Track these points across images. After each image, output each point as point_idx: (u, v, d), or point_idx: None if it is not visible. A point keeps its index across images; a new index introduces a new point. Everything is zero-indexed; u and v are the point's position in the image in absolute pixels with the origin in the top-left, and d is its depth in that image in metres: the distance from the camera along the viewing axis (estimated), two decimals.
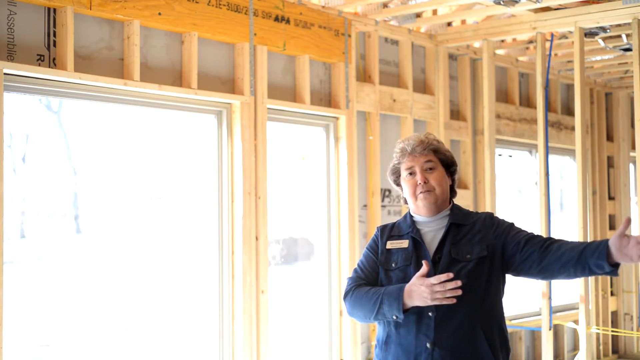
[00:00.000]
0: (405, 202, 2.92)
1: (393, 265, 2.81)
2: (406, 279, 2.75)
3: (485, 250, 2.74)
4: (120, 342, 4.49)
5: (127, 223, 4.61)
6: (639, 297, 8.01)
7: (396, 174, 2.91)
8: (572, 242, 2.68)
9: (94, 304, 4.45)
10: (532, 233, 2.79)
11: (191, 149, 4.78)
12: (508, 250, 2.76)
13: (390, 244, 2.85)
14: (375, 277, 2.86)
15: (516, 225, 2.85)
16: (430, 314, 2.69)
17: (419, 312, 2.71)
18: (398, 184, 2.92)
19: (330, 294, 5.32)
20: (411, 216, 2.90)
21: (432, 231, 2.82)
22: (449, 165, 2.88)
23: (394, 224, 2.94)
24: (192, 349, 4.71)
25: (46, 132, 4.32)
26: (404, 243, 2.82)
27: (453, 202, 2.91)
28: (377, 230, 2.96)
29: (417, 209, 2.85)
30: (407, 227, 2.86)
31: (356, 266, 2.94)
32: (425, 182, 2.80)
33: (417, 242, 2.80)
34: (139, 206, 4.65)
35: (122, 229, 4.60)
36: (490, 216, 2.86)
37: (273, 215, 4.95)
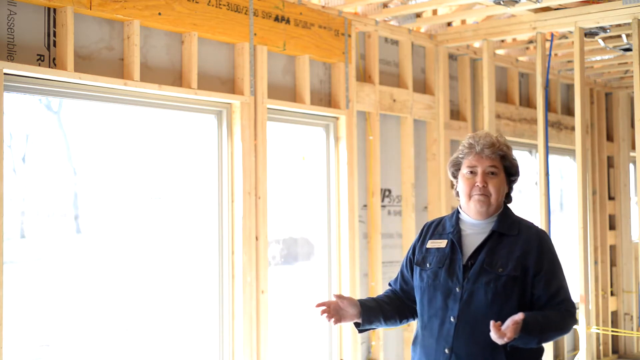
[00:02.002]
0: (457, 195, 2.86)
1: (428, 265, 2.78)
2: (436, 280, 2.73)
3: (518, 270, 2.66)
4: (120, 342, 4.49)
5: (127, 223, 4.61)
6: (639, 297, 8.01)
7: (456, 167, 2.84)
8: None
9: (94, 304, 4.45)
10: (555, 291, 2.69)
11: (191, 149, 4.78)
12: (533, 290, 2.70)
13: (430, 243, 2.83)
14: (407, 281, 2.91)
15: (557, 265, 2.74)
16: (452, 319, 2.67)
17: (442, 317, 2.69)
18: (455, 177, 2.85)
19: (330, 293, 5.32)
20: (458, 213, 2.85)
21: (474, 234, 2.77)
22: (511, 174, 2.81)
23: (441, 219, 2.91)
24: (192, 349, 4.71)
25: (46, 132, 4.33)
26: (443, 243, 2.79)
27: (506, 206, 2.83)
28: (423, 228, 2.93)
29: (468, 209, 2.80)
30: (451, 226, 2.82)
31: (402, 262, 2.98)
32: (484, 186, 2.74)
33: (455, 245, 2.76)
34: (139, 206, 4.65)
35: (122, 229, 4.60)
36: (541, 239, 2.75)
37: (273, 215, 4.95)
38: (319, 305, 2.80)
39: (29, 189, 4.25)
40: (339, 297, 2.81)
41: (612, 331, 7.68)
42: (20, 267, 4.23)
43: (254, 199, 4.71)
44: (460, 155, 2.82)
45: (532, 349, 2.68)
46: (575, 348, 7.37)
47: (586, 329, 5.46)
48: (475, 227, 2.78)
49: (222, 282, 4.67)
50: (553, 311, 2.65)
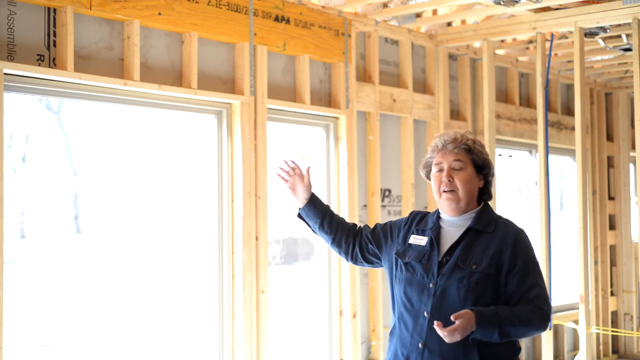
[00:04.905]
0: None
1: (407, 258, 2.81)
2: (414, 274, 2.76)
3: (492, 268, 2.67)
4: (121, 342, 4.49)
5: (127, 223, 4.61)
6: (639, 297, 8.01)
7: (427, 168, 2.88)
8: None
9: (94, 304, 4.45)
10: (528, 288, 2.68)
11: (191, 149, 4.78)
12: (506, 287, 2.70)
13: (413, 239, 2.85)
14: (373, 240, 2.99)
15: (531, 263, 2.73)
16: (425, 314, 2.69)
17: (416, 312, 2.72)
18: (429, 179, 2.89)
19: (330, 294, 5.32)
20: (439, 211, 2.88)
21: (452, 231, 2.79)
22: (481, 167, 2.81)
23: (426, 214, 2.94)
24: (192, 349, 4.71)
25: (46, 132, 4.33)
26: (424, 240, 2.82)
27: (485, 203, 2.84)
28: (410, 215, 2.96)
29: (441, 207, 2.83)
30: (432, 223, 2.85)
31: (380, 223, 3.05)
32: (449, 181, 2.76)
33: (433, 241, 2.79)
34: (139, 206, 4.65)
35: (122, 229, 4.60)
36: (516, 236, 2.74)
37: (273, 215, 4.95)
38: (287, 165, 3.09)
39: (29, 189, 4.26)
40: (307, 172, 3.08)
41: (612, 331, 7.68)
42: (20, 267, 4.23)
43: (254, 199, 4.71)
44: (429, 157, 2.87)
45: (506, 346, 2.68)
46: (575, 348, 7.37)
47: (586, 329, 5.46)
48: (453, 224, 2.81)
49: (222, 282, 4.67)
50: (521, 307, 2.66)
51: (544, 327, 2.68)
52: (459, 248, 2.73)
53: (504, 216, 2.89)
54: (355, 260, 3.07)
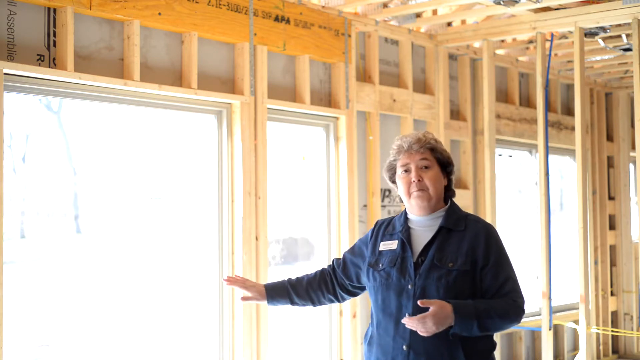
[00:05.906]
0: (402, 200, 2.93)
1: (380, 266, 2.82)
2: (389, 279, 2.77)
3: (468, 265, 2.71)
4: (120, 342, 4.49)
5: (127, 223, 4.61)
6: (639, 297, 8.01)
7: (392, 171, 2.90)
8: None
9: (94, 304, 4.45)
10: (503, 282, 2.73)
11: (191, 149, 4.78)
12: (481, 283, 2.74)
13: (383, 245, 2.87)
14: (348, 273, 2.99)
15: (503, 257, 2.78)
16: (407, 316, 2.69)
17: (397, 315, 2.73)
18: (393, 182, 2.91)
19: None
20: (406, 213, 2.89)
21: (423, 231, 2.81)
22: (445, 165, 2.85)
23: (391, 219, 2.95)
24: (192, 349, 4.71)
25: (46, 132, 4.33)
26: (394, 244, 2.84)
27: (452, 202, 2.89)
28: (375, 226, 2.97)
29: (411, 207, 2.85)
30: (400, 226, 2.86)
31: (345, 252, 3.04)
32: (419, 181, 2.78)
33: (404, 243, 2.80)
34: (138, 206, 4.65)
35: (122, 229, 4.60)
36: (487, 232, 2.79)
37: (273, 215, 4.95)
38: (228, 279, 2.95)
39: (29, 189, 4.26)
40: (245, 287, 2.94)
41: (612, 331, 7.68)
42: (20, 267, 4.23)
43: (254, 199, 4.71)
44: (393, 159, 2.89)
45: (485, 341, 2.73)
46: (575, 348, 7.37)
47: (586, 329, 5.46)
48: (422, 224, 2.83)
49: (223, 282, 4.66)
50: (496, 300, 2.70)
51: (518, 320, 2.74)
52: (433, 247, 2.75)
53: (471, 213, 2.95)
54: (344, 299, 3.07)
